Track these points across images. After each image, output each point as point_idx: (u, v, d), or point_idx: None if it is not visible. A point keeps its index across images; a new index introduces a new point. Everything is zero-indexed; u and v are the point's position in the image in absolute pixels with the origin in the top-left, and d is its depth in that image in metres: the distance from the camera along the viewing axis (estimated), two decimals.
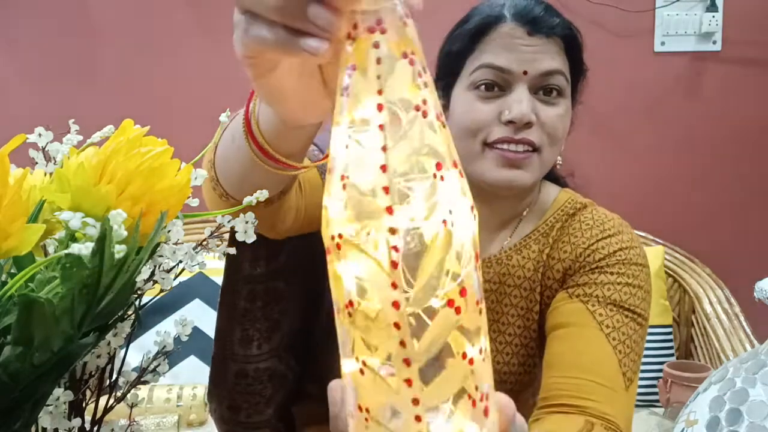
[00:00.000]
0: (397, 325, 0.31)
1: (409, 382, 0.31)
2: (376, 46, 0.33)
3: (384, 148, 0.31)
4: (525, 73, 0.79)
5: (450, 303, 0.31)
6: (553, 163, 0.85)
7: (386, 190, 0.31)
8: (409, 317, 0.31)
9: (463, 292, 0.32)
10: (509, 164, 0.79)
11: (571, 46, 0.83)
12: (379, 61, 0.33)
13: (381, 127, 0.32)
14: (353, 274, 0.32)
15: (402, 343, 0.31)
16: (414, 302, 0.31)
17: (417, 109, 0.32)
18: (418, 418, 0.31)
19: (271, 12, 0.37)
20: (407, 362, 0.31)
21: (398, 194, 0.31)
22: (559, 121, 0.81)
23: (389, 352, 0.31)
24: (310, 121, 0.50)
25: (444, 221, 0.31)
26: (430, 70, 0.34)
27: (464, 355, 0.31)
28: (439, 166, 0.32)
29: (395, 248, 0.31)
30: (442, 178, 0.32)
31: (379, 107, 0.32)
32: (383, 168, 0.31)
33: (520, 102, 0.78)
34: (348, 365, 0.33)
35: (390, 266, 0.31)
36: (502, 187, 0.81)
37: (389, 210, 0.31)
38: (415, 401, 0.31)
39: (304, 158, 0.64)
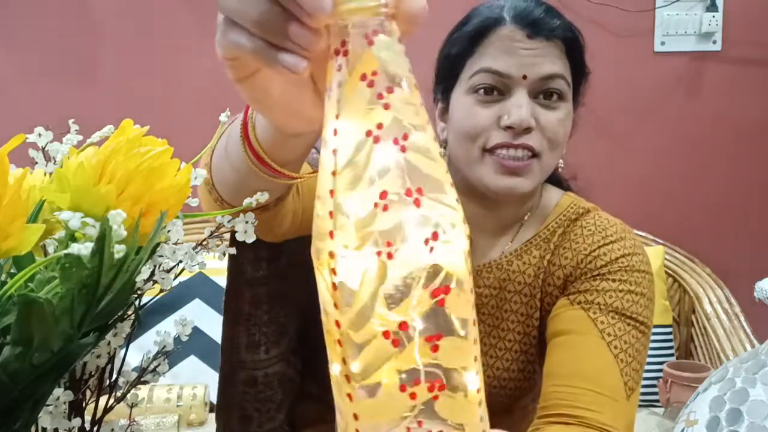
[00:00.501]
0: (339, 342, 0.31)
1: (350, 396, 0.32)
2: (339, 69, 0.33)
3: (333, 173, 0.32)
4: (524, 77, 0.78)
5: (385, 334, 0.31)
6: (553, 168, 0.84)
7: (331, 214, 0.31)
8: (349, 337, 0.31)
9: (403, 326, 0.31)
10: (509, 171, 0.78)
11: (573, 49, 0.82)
12: (339, 84, 0.33)
13: (334, 151, 0.32)
14: (319, 287, 0.33)
15: (343, 360, 0.32)
16: (350, 325, 0.31)
17: (368, 134, 0.32)
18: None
19: (251, 24, 0.37)
20: (347, 379, 0.31)
21: (339, 220, 0.31)
22: (559, 126, 0.80)
23: (337, 365, 0.32)
24: (301, 129, 0.49)
25: (378, 252, 0.30)
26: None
27: (402, 388, 0.31)
28: (383, 194, 0.31)
29: (334, 271, 0.31)
30: (385, 207, 0.31)
31: (335, 132, 0.32)
32: (331, 193, 0.31)
33: (519, 107, 0.77)
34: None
35: (331, 287, 0.31)
36: (501, 194, 0.80)
37: (331, 234, 0.31)
38: (355, 416, 0.32)
39: (301, 166, 0.63)
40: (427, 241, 0.31)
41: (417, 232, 0.31)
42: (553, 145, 0.80)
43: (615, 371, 0.74)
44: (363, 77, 0.32)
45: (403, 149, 0.32)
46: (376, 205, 0.31)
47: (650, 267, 0.84)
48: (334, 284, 0.31)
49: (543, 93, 0.80)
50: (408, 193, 0.31)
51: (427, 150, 0.32)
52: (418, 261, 0.31)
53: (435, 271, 0.31)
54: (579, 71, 0.84)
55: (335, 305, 0.31)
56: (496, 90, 0.79)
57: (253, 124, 0.57)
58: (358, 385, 0.31)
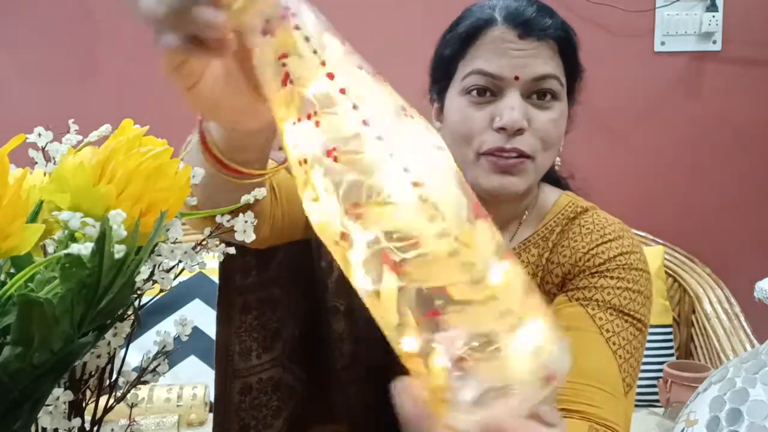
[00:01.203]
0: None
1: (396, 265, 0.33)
2: (297, 27, 0.36)
3: (354, 107, 0.34)
4: (516, 78, 0.78)
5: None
6: (548, 168, 0.84)
7: (379, 138, 0.34)
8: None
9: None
10: (501, 170, 0.78)
11: (566, 48, 0.81)
12: (307, 39, 0.36)
13: (342, 90, 0.35)
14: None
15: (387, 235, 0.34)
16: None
17: (360, 67, 0.36)
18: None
19: (161, 23, 0.40)
20: (398, 267, 0.34)
21: (389, 143, 0.34)
22: (552, 126, 0.80)
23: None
24: (254, 125, 0.51)
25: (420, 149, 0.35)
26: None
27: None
28: (404, 108, 0.36)
29: (416, 185, 0.33)
30: (411, 116, 0.36)
31: (330, 76, 0.35)
32: (364, 122, 0.34)
33: (511, 109, 0.77)
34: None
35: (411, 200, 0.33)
36: (495, 194, 0.80)
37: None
38: (405, 276, 0.34)
39: (266, 164, 0.63)
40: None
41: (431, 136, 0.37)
42: (546, 145, 0.80)
43: (614, 367, 0.75)
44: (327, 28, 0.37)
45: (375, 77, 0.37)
46: (405, 115, 0.36)
47: (648, 266, 0.84)
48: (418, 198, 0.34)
49: (536, 93, 0.79)
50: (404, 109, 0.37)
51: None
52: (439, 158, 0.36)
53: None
54: (573, 70, 0.84)
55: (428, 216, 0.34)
56: (489, 91, 0.79)
57: (208, 130, 0.58)
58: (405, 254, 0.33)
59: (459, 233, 0.33)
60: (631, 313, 0.79)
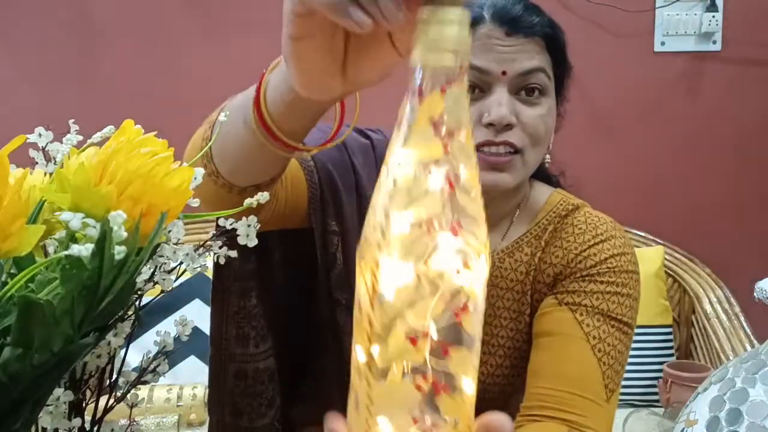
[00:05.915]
0: (368, 335, 0.37)
1: (368, 382, 0.37)
2: (412, 110, 0.38)
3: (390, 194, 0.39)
4: (504, 73, 0.78)
5: (408, 337, 0.37)
6: (537, 164, 0.84)
7: (381, 229, 0.37)
8: (377, 333, 0.37)
9: (424, 333, 0.37)
10: (491, 167, 0.79)
11: (553, 45, 0.82)
12: (409, 123, 0.39)
13: (395, 180, 0.38)
14: (358, 284, 0.38)
15: (369, 351, 0.37)
16: (381, 324, 0.37)
17: (426, 168, 0.39)
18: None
19: None
20: (369, 367, 0.37)
21: (388, 235, 0.37)
22: (540, 122, 0.80)
23: (362, 353, 0.38)
24: (317, 95, 0.54)
25: (416, 268, 0.37)
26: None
27: (413, 381, 0.37)
28: (429, 220, 0.37)
29: (375, 276, 0.37)
30: (429, 230, 0.37)
31: (398, 164, 0.38)
32: (385, 209, 0.38)
33: (499, 104, 0.78)
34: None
35: (371, 289, 0.38)
36: (485, 191, 0.81)
37: (378, 245, 0.37)
38: (370, 399, 0.37)
39: (301, 142, 0.65)
40: (456, 266, 0.36)
41: (450, 256, 0.36)
42: (535, 141, 0.80)
43: (597, 374, 0.76)
44: (430, 120, 0.37)
45: (452, 187, 0.37)
46: (421, 227, 0.36)
47: (638, 266, 0.85)
48: (374, 287, 0.36)
49: (524, 89, 0.80)
50: (449, 223, 0.36)
51: (470, 190, 0.38)
52: (448, 281, 0.36)
53: (459, 292, 0.36)
54: (561, 67, 0.84)
55: (371, 304, 0.36)
56: (477, 88, 0.79)
57: (264, 89, 0.60)
58: (377, 372, 0.36)
59: None
60: (619, 317, 0.80)
